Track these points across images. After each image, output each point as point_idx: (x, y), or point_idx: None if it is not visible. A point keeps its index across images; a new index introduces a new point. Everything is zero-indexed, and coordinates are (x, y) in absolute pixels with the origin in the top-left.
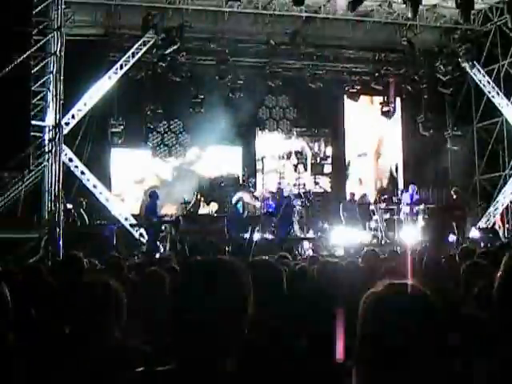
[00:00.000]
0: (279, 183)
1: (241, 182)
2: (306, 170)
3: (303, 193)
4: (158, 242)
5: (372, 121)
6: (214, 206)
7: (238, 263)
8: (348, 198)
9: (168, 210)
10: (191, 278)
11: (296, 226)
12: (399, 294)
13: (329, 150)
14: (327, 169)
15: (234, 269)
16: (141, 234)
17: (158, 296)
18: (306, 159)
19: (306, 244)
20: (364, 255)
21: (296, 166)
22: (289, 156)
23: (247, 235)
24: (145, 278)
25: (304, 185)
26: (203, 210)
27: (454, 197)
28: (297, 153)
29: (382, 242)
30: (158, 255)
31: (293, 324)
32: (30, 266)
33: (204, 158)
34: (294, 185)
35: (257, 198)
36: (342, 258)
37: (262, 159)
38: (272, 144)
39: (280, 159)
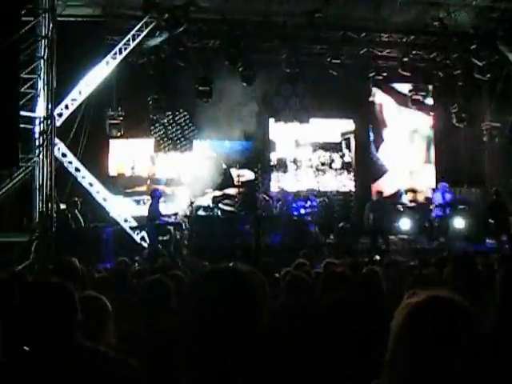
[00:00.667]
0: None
1: (253, 178)
2: (330, 167)
3: (323, 192)
4: (161, 247)
5: (401, 110)
6: (224, 206)
7: (252, 273)
8: (375, 197)
9: (172, 210)
10: (202, 290)
11: (315, 229)
12: (440, 306)
13: (352, 144)
14: (351, 165)
15: (248, 280)
16: (142, 238)
17: (162, 306)
18: (331, 157)
19: (325, 249)
20: (389, 262)
21: (323, 164)
22: (315, 149)
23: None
24: (147, 287)
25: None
26: (212, 210)
27: (494, 197)
28: (323, 147)
29: (411, 247)
30: (161, 261)
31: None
32: (13, 273)
33: (213, 152)
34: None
35: (271, 198)
36: (363, 265)
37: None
38: (288, 136)
39: (297, 150)
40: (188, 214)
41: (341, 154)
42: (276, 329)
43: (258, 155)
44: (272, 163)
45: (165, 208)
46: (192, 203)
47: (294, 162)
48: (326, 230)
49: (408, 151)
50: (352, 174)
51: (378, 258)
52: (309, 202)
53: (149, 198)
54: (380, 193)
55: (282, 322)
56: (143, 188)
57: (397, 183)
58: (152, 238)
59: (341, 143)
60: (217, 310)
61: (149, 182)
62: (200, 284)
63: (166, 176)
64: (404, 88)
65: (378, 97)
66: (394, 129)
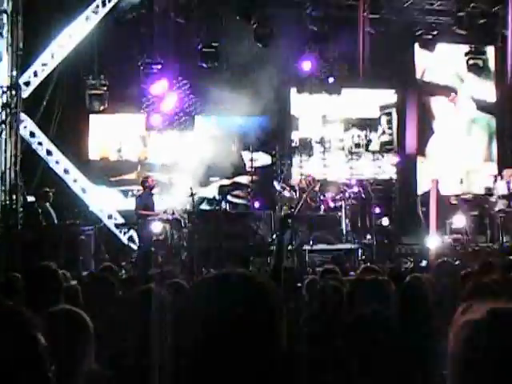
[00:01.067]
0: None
1: (270, 163)
2: (366, 149)
3: (358, 180)
4: (154, 249)
5: (455, 78)
6: (233, 199)
7: (267, 280)
8: (430, 187)
9: (169, 204)
10: (203, 301)
11: (347, 227)
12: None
13: (394, 121)
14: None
15: (263, 289)
16: (130, 238)
17: (157, 323)
18: (368, 136)
19: (361, 252)
20: (440, 268)
21: (357, 145)
22: (348, 127)
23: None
24: (138, 299)
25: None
26: (218, 203)
27: None
28: (357, 125)
29: (468, 249)
30: (155, 267)
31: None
32: None
33: (219, 131)
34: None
35: (292, 188)
36: (406, 272)
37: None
38: (314, 111)
39: (325, 128)
40: (188, 207)
41: (380, 132)
42: (299, 349)
43: (276, 134)
44: (294, 144)
45: (159, 201)
46: (193, 195)
47: (321, 142)
48: (361, 227)
49: (464, 146)
50: (394, 157)
51: (424, 263)
52: (339, 193)
53: (139, 188)
54: (435, 181)
55: (304, 341)
56: (132, 176)
57: (450, 187)
58: (143, 238)
59: (380, 119)
60: (225, 327)
61: (139, 168)
62: (204, 293)
63: (160, 161)
64: (459, 52)
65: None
66: (446, 118)
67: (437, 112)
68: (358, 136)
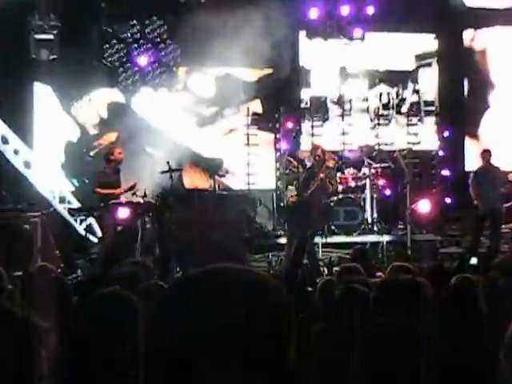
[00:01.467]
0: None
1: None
2: (398, 111)
3: (387, 151)
4: (119, 242)
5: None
6: (220, 182)
7: (273, 280)
8: (481, 160)
9: (139, 185)
10: (187, 306)
11: (373, 214)
12: None
13: (435, 74)
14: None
15: (266, 288)
16: (88, 228)
17: (123, 339)
18: (400, 94)
19: (390, 246)
20: (494, 267)
21: (386, 106)
22: (374, 83)
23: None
24: (97, 306)
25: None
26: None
27: None
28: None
29: None
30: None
31: None
32: None
33: (206, 89)
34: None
35: (301, 163)
36: (451, 272)
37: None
38: (330, 62)
39: (344, 85)
40: (164, 186)
41: (415, 89)
42: (309, 369)
43: (280, 92)
44: (303, 105)
45: (125, 178)
46: (172, 170)
47: (339, 103)
48: (390, 215)
49: None
50: (434, 122)
51: (475, 260)
52: (363, 169)
53: (101, 161)
54: (487, 152)
55: (317, 359)
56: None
57: (506, 161)
58: (105, 227)
59: (416, 72)
60: (215, 341)
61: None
62: (187, 296)
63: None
64: None
65: (478, 41)
66: (504, 88)
67: (496, 76)
68: (388, 94)
